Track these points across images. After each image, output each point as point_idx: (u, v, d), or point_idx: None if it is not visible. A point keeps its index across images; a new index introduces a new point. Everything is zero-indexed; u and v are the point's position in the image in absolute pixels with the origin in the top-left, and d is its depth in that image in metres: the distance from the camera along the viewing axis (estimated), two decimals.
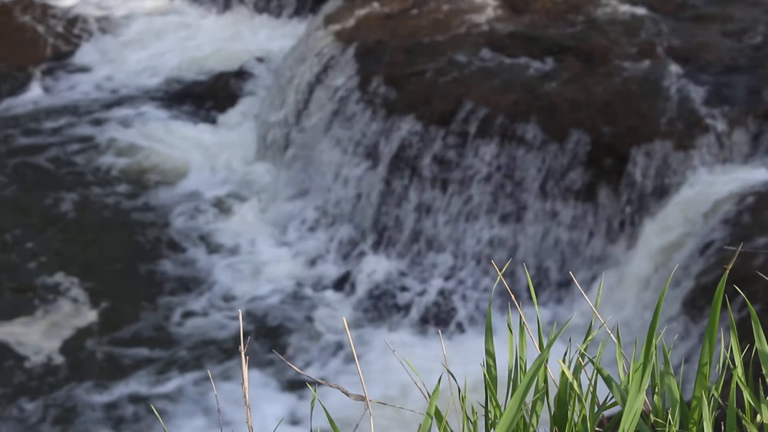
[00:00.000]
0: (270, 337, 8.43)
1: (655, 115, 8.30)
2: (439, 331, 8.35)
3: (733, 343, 1.96)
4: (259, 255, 9.27)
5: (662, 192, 8.00)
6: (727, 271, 1.81)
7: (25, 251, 9.38)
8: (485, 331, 2.10)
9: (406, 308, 8.57)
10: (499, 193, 8.57)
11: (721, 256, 7.12)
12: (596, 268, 8.16)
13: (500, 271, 2.07)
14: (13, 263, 9.22)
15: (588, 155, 8.29)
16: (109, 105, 11.64)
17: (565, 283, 8.24)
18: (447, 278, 8.65)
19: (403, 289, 8.67)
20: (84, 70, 12.37)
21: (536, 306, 2.01)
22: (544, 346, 2.02)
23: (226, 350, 8.26)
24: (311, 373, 7.96)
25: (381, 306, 8.63)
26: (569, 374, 2.00)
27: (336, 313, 8.51)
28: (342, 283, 8.87)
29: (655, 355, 1.98)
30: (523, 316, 2.12)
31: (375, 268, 8.83)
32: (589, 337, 2.17)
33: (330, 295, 8.78)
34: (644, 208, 8.03)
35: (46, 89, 11.98)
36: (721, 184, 7.81)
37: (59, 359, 8.29)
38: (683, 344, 6.96)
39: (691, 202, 7.74)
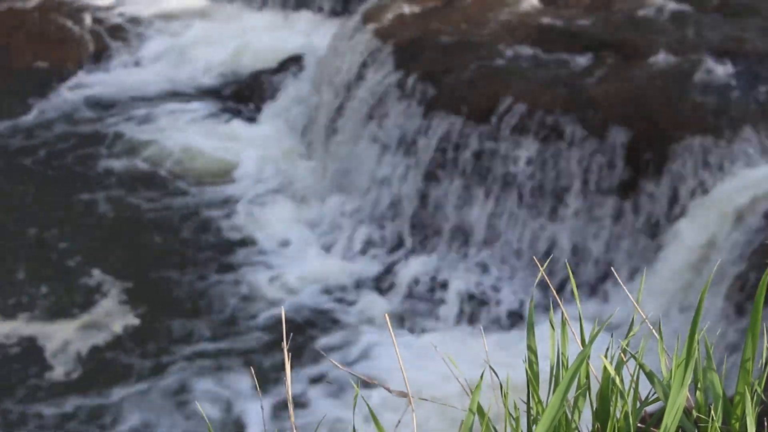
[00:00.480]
0: (310, 336, 8.45)
1: (694, 110, 8.25)
2: (482, 328, 8.35)
3: None
4: (299, 253, 9.29)
5: (702, 187, 7.95)
6: None
7: (62, 250, 9.43)
8: (527, 327, 2.10)
9: (447, 306, 8.56)
10: (538, 189, 8.55)
11: (764, 252, 7.08)
12: (637, 265, 8.13)
13: (542, 267, 2.07)
14: (50, 261, 9.27)
15: (627, 151, 8.26)
16: (147, 103, 11.69)
17: (606, 279, 8.21)
18: (487, 275, 8.63)
19: (443, 286, 8.67)
20: (120, 69, 12.42)
21: (578, 302, 2.01)
22: (586, 342, 2.02)
23: (268, 348, 8.28)
24: (354, 369, 7.98)
25: (421, 304, 8.63)
26: (611, 370, 1.99)
27: (375, 311, 8.52)
28: (381, 281, 8.87)
29: (698, 350, 1.97)
30: (565, 312, 2.12)
31: (414, 265, 8.83)
32: (631, 333, 2.17)
33: (370, 293, 8.78)
34: (685, 203, 7.99)
35: (82, 88, 12.05)
36: (762, 179, 7.76)
37: (94, 359, 8.33)
38: (726, 341, 6.93)
39: (732, 197, 7.69)
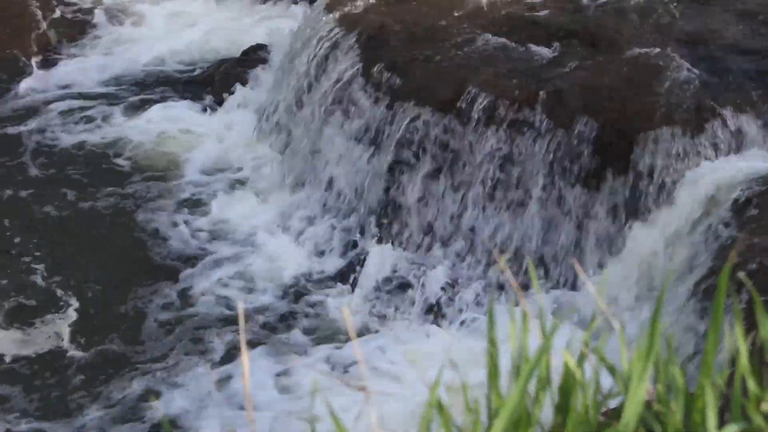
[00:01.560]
0: (272, 330, 8.39)
1: (663, 100, 8.26)
2: (443, 323, 8.33)
3: (738, 331, 1.94)
4: (261, 245, 9.23)
5: (671, 178, 7.96)
6: (732, 259, 1.79)
7: (16, 249, 9.28)
8: (488, 320, 2.09)
9: (412, 299, 8.54)
10: (504, 180, 8.54)
11: (730, 245, 7.09)
12: (604, 256, 8.13)
13: (503, 259, 2.05)
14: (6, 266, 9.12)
15: (595, 141, 8.26)
16: (104, 94, 11.58)
17: (574, 271, 8.21)
18: (454, 268, 8.62)
19: (408, 280, 8.64)
20: (81, 58, 12.30)
21: (538, 292, 2.00)
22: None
23: (227, 343, 8.20)
24: (315, 365, 7.94)
25: (386, 297, 8.60)
26: (572, 363, 1.99)
27: (340, 305, 8.47)
28: (346, 274, 8.84)
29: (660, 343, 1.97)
30: (525, 304, 2.11)
31: (379, 258, 8.80)
32: (593, 326, 2.16)
33: (334, 286, 8.74)
34: (652, 194, 8.00)
35: (43, 78, 11.92)
36: (731, 171, 7.78)
37: (48, 359, 8.23)
38: (692, 334, 6.94)
39: (700, 189, 7.71)
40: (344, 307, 8.43)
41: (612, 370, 1.95)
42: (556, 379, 1.98)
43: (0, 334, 8.34)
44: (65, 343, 8.25)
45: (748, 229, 7.05)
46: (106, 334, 8.35)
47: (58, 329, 8.38)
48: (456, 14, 9.68)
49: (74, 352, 8.18)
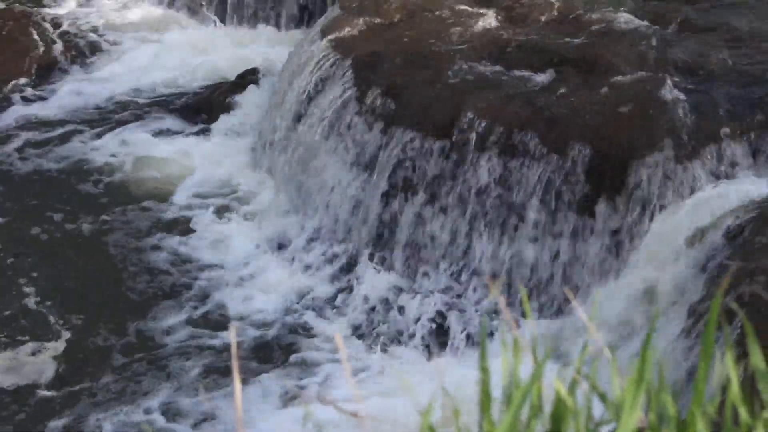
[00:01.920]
0: (264, 354, 8.37)
1: (656, 127, 8.28)
2: (435, 350, 8.32)
3: (729, 359, 1.94)
4: (254, 270, 9.21)
5: (663, 205, 7.97)
6: (724, 287, 1.80)
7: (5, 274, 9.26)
8: (480, 346, 2.09)
9: (404, 326, 8.52)
10: (499, 206, 8.54)
11: (723, 272, 7.09)
12: (596, 282, 8.13)
13: (494, 286, 2.06)
14: None
15: (588, 167, 8.27)
16: (97, 117, 11.58)
17: (567, 298, 8.20)
18: (447, 294, 8.61)
19: (402, 306, 8.63)
20: (72, 81, 12.32)
21: (530, 319, 2.00)
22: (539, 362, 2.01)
23: (220, 368, 8.18)
24: (307, 390, 7.92)
25: (378, 323, 8.59)
26: (563, 391, 1.98)
27: (332, 330, 8.45)
28: (338, 300, 8.82)
29: (650, 371, 1.97)
30: (516, 331, 2.11)
31: (373, 284, 8.79)
32: (584, 353, 2.15)
33: (326, 311, 8.71)
34: (645, 220, 8.00)
35: (34, 102, 11.93)
36: (723, 197, 7.79)
37: (41, 383, 8.20)
38: (687, 362, 6.92)
39: (692, 215, 7.72)
40: (337, 332, 8.41)
41: (603, 397, 1.95)
42: (548, 406, 1.98)
43: None
44: (52, 372, 8.23)
45: (741, 255, 7.06)
46: (95, 362, 8.32)
47: (44, 358, 8.36)
48: (451, 39, 9.71)
49: (62, 381, 8.15)
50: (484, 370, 2.00)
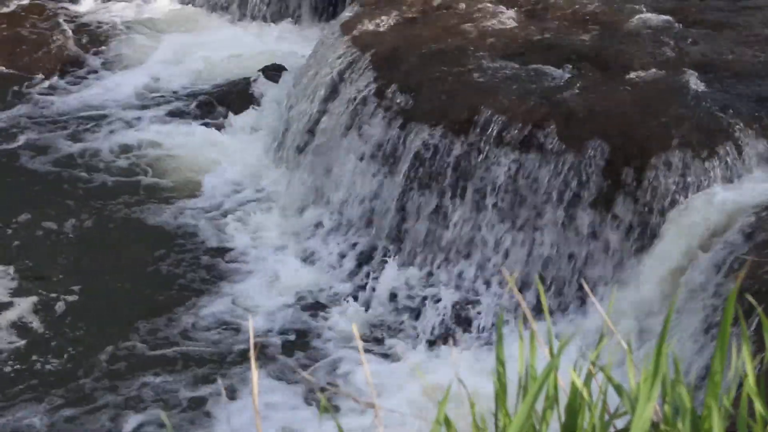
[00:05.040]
0: (284, 348, 8.40)
1: (674, 124, 8.27)
2: (451, 342, 8.34)
3: (746, 352, 1.95)
4: (274, 264, 9.25)
5: (680, 202, 7.96)
6: (739, 282, 1.80)
7: (34, 262, 9.32)
8: (496, 338, 2.10)
9: (424, 319, 8.55)
10: (517, 202, 8.55)
11: (739, 267, 7.08)
12: (614, 278, 8.13)
13: (513, 281, 2.07)
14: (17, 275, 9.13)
15: (606, 164, 8.27)
16: (119, 113, 11.63)
17: (585, 294, 8.21)
18: (466, 289, 8.63)
19: (421, 300, 8.65)
20: (93, 77, 12.38)
21: (546, 313, 2.00)
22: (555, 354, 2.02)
23: (238, 360, 8.21)
24: (325, 382, 7.95)
25: (398, 317, 8.61)
26: (578, 382, 1.99)
27: (350, 322, 8.48)
28: (359, 294, 8.85)
29: (666, 364, 1.97)
30: (533, 324, 2.12)
31: (392, 278, 8.82)
32: (600, 346, 2.16)
33: (346, 305, 8.75)
34: (662, 217, 8.00)
35: (54, 96, 11.99)
36: (741, 195, 7.77)
37: (71, 369, 8.26)
38: (702, 357, 6.92)
39: (710, 212, 7.70)
40: (354, 324, 8.44)
41: (619, 389, 1.95)
42: (564, 398, 1.98)
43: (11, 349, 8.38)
44: (76, 359, 8.29)
45: (758, 251, 7.05)
46: (120, 351, 8.37)
47: (71, 344, 8.42)
48: (468, 37, 9.72)
49: (87, 371, 8.20)
50: (500, 360, 2.01)
